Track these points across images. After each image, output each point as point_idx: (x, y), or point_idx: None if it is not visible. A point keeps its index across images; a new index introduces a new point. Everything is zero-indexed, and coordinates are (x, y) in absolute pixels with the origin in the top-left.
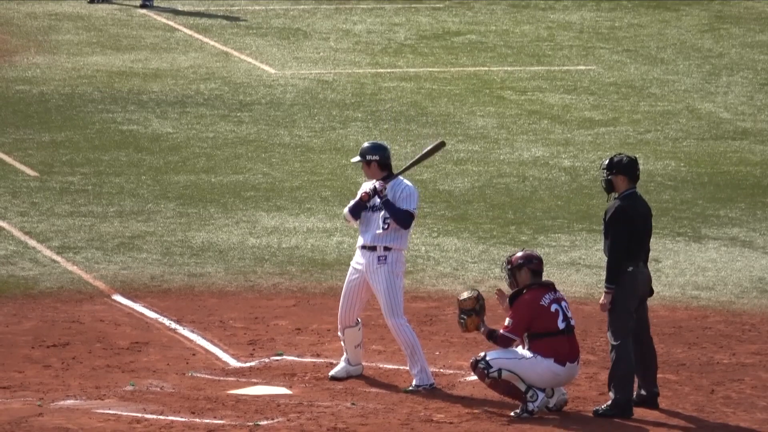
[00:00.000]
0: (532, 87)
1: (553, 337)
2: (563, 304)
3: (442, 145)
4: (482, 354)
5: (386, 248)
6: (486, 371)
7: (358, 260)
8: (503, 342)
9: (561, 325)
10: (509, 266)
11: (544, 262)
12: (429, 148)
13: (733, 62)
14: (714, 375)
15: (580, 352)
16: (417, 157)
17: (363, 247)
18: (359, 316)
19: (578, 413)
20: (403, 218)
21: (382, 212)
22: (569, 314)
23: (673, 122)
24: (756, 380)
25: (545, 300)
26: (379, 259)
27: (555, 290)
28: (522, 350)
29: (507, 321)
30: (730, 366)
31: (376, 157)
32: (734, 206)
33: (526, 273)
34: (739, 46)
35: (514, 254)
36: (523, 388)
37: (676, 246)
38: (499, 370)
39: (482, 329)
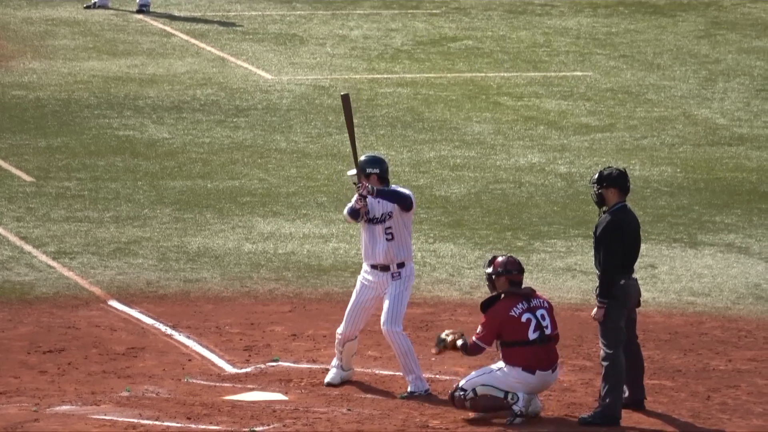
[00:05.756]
0: (529, 93)
1: (524, 347)
2: (539, 313)
3: (346, 97)
4: (455, 385)
5: (400, 264)
6: (463, 396)
7: (368, 277)
8: (473, 350)
9: (532, 336)
10: (490, 269)
11: (538, 268)
12: (345, 111)
13: (729, 68)
14: (710, 381)
15: (576, 359)
16: (348, 126)
17: (374, 266)
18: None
19: (575, 419)
20: (403, 198)
21: (383, 224)
22: (545, 323)
23: (670, 128)
24: (752, 386)
25: (515, 311)
26: (393, 276)
27: (531, 299)
28: (493, 365)
29: (478, 329)
30: (726, 372)
31: (376, 170)
32: (730, 212)
33: (505, 282)
34: (735, 52)
35: (497, 258)
36: (501, 394)
37: (672, 252)
38: (474, 389)
39: (460, 343)
